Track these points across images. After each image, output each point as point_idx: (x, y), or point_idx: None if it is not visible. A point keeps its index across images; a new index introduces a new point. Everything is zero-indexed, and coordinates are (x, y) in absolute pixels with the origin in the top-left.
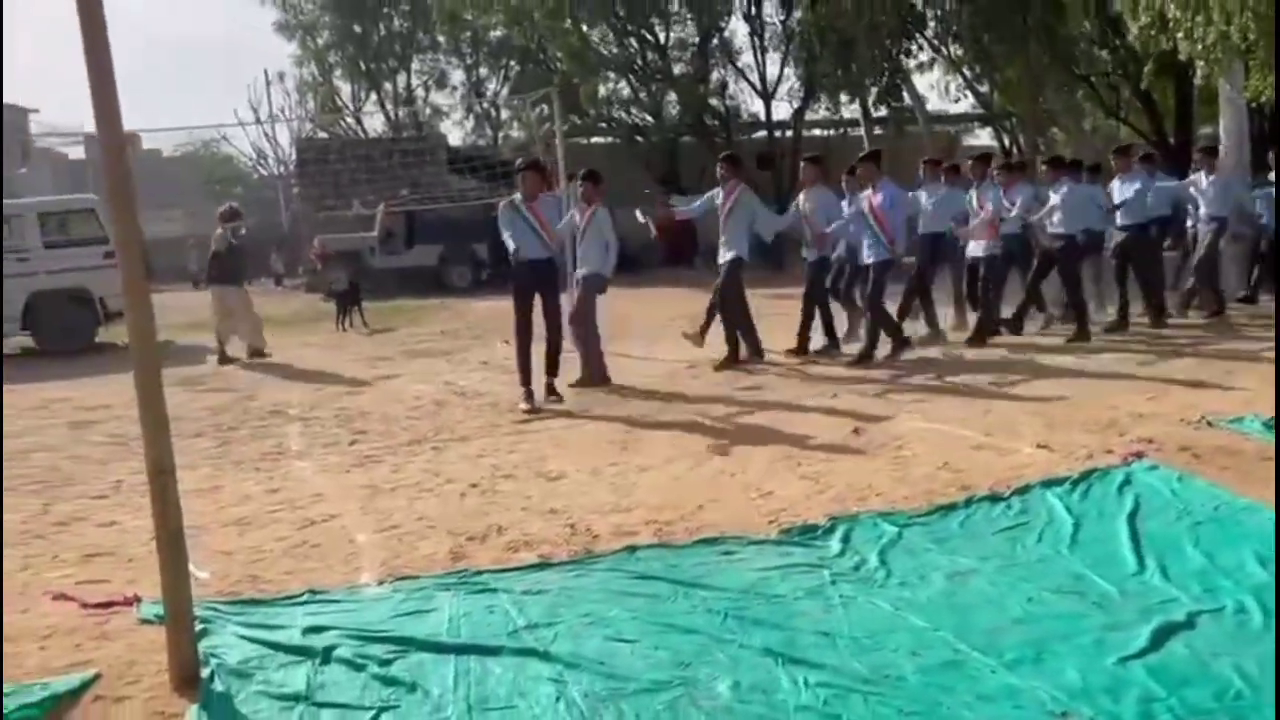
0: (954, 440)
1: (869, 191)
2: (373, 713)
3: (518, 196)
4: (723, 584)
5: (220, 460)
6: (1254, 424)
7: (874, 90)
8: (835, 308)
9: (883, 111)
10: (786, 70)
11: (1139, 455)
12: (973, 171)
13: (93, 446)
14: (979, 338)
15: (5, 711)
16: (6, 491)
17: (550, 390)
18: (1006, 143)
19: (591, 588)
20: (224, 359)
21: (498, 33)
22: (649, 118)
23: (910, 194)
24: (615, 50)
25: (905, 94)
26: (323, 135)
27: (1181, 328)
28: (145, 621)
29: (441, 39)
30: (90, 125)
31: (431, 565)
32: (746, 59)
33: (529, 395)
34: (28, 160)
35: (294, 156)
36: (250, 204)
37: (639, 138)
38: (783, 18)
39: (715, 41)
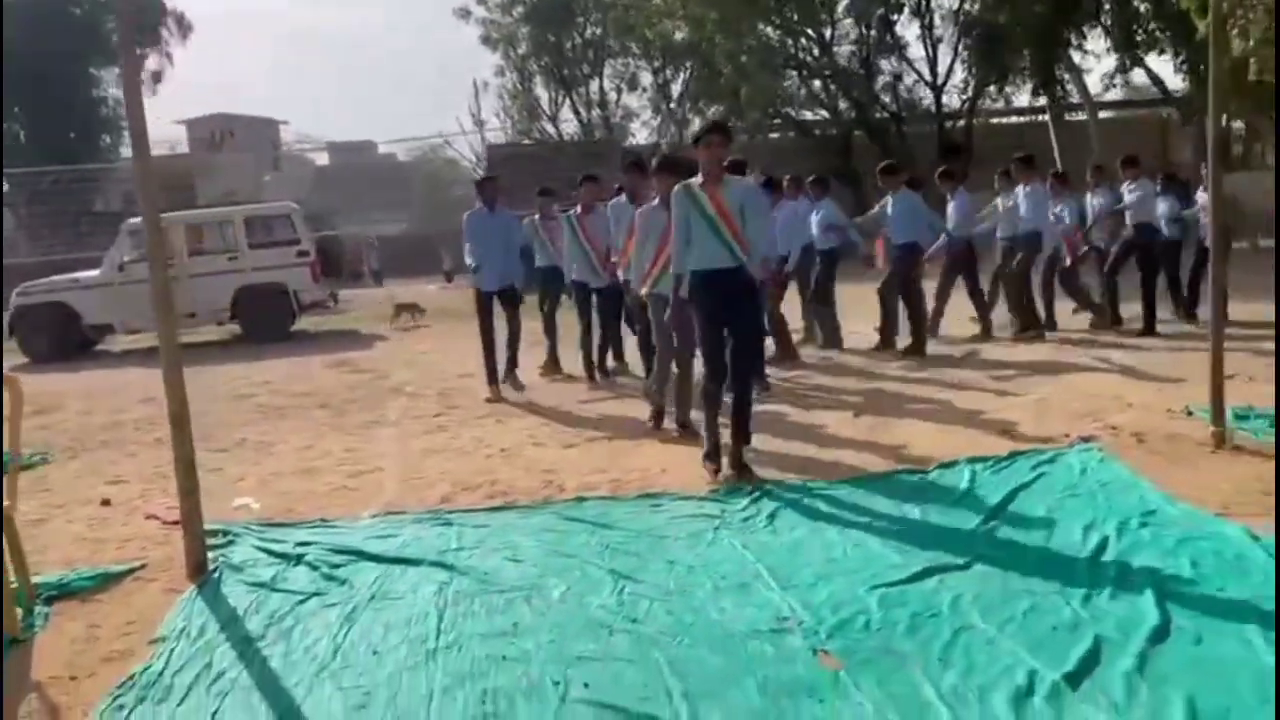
0: (936, 425)
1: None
2: (305, 596)
3: (695, 181)
4: (628, 527)
5: (326, 426)
6: (1258, 424)
7: (1029, 82)
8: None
9: (1042, 100)
10: (957, 64)
11: (1087, 439)
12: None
13: (241, 414)
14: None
15: (69, 580)
16: (159, 444)
17: (741, 467)
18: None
19: (525, 525)
20: None
21: (681, 36)
22: (823, 113)
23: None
24: (779, 48)
25: (1070, 84)
26: (526, 141)
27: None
28: None
29: (633, 44)
30: (333, 134)
31: (421, 504)
32: (915, 51)
33: (716, 468)
34: (278, 167)
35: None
36: (469, 203)
37: (804, 132)
38: (954, 7)
39: (887, 36)
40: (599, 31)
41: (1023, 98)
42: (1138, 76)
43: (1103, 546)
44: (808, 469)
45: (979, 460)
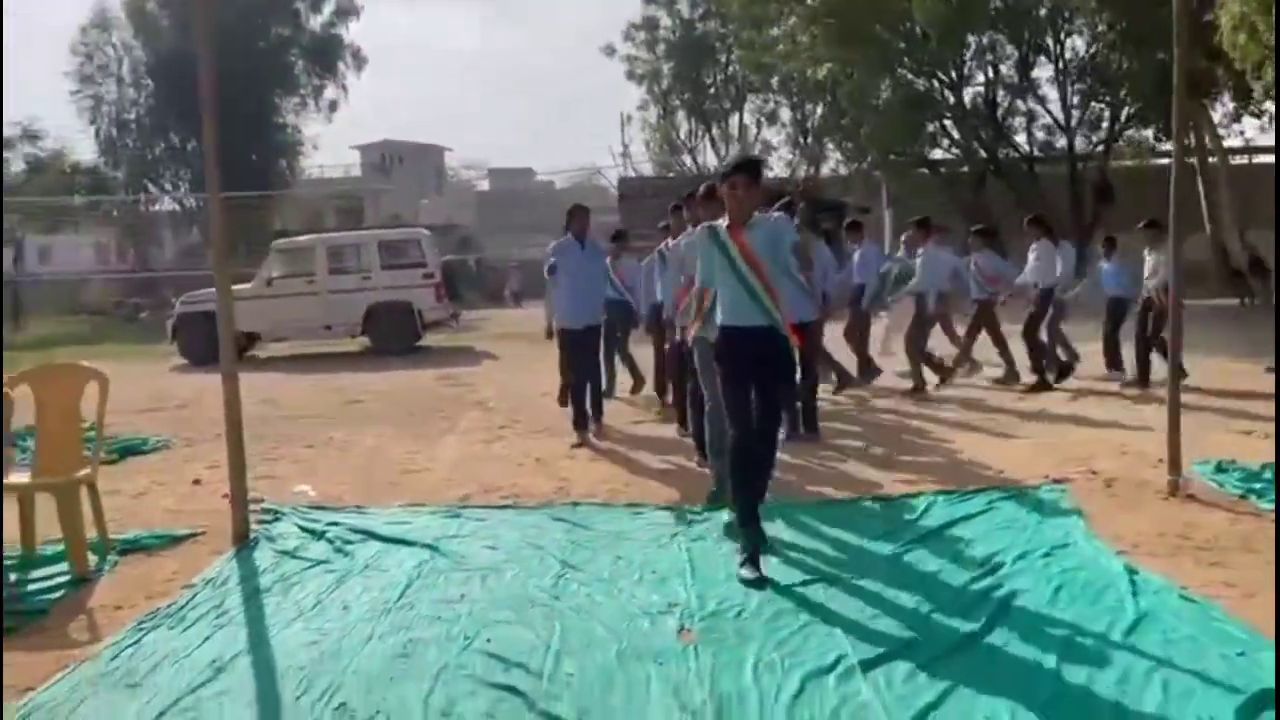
0: (933, 460)
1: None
2: (313, 563)
3: (720, 223)
4: (602, 528)
5: (402, 431)
6: (1229, 477)
7: (1152, 128)
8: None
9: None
10: (1093, 104)
11: (1059, 481)
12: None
13: (342, 416)
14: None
15: (141, 538)
16: (257, 438)
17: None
18: None
19: (516, 521)
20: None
21: (817, 73)
22: (955, 151)
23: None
24: (906, 86)
25: (1199, 129)
26: (669, 174)
27: None
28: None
29: (774, 80)
30: (495, 161)
31: (442, 499)
32: (1049, 93)
33: (758, 572)
34: (441, 192)
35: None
36: (608, 230)
37: (933, 171)
38: (1090, 52)
39: (1023, 80)
40: (740, 68)
41: (1161, 143)
42: None
43: (994, 570)
44: (790, 490)
45: (944, 493)
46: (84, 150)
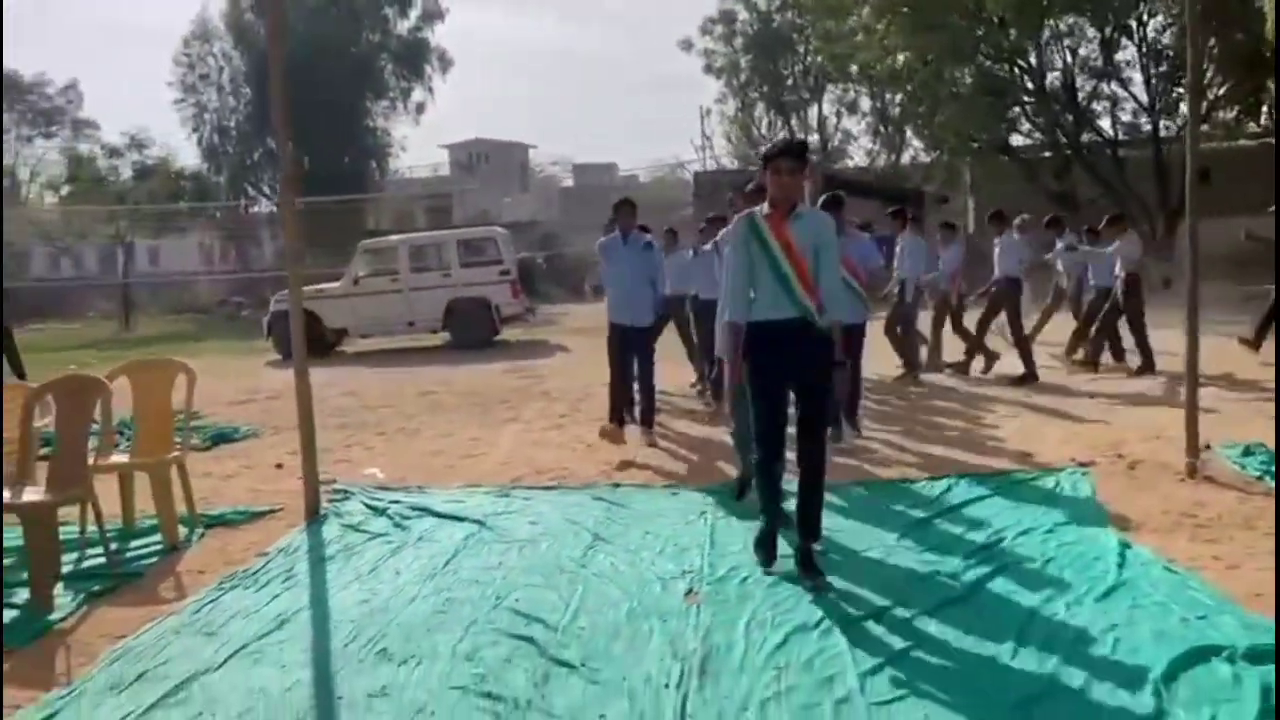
0: (963, 448)
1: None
2: (374, 535)
3: (760, 209)
4: (637, 507)
5: (469, 420)
6: (1254, 459)
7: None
8: None
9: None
10: (1175, 88)
11: (1083, 464)
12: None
13: (416, 407)
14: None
15: (225, 514)
16: (339, 427)
17: (809, 565)
18: None
19: (559, 501)
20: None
21: (895, 62)
22: (1037, 136)
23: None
24: (986, 75)
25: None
26: (751, 168)
27: None
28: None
29: (853, 69)
30: (579, 157)
31: (496, 481)
32: (1129, 74)
33: (770, 557)
34: (526, 188)
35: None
36: (689, 223)
37: (1013, 157)
38: (1172, 32)
39: (1108, 64)
40: (819, 59)
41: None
42: None
43: (993, 544)
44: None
45: (966, 476)
46: (188, 156)
